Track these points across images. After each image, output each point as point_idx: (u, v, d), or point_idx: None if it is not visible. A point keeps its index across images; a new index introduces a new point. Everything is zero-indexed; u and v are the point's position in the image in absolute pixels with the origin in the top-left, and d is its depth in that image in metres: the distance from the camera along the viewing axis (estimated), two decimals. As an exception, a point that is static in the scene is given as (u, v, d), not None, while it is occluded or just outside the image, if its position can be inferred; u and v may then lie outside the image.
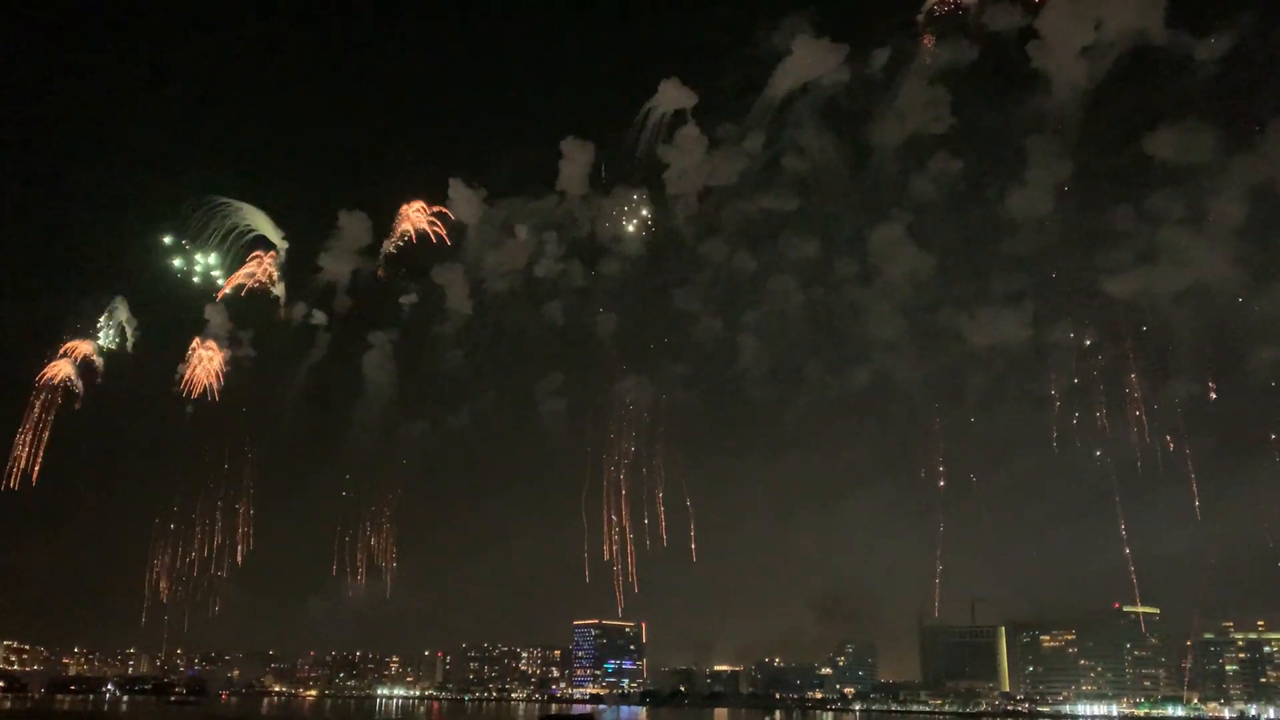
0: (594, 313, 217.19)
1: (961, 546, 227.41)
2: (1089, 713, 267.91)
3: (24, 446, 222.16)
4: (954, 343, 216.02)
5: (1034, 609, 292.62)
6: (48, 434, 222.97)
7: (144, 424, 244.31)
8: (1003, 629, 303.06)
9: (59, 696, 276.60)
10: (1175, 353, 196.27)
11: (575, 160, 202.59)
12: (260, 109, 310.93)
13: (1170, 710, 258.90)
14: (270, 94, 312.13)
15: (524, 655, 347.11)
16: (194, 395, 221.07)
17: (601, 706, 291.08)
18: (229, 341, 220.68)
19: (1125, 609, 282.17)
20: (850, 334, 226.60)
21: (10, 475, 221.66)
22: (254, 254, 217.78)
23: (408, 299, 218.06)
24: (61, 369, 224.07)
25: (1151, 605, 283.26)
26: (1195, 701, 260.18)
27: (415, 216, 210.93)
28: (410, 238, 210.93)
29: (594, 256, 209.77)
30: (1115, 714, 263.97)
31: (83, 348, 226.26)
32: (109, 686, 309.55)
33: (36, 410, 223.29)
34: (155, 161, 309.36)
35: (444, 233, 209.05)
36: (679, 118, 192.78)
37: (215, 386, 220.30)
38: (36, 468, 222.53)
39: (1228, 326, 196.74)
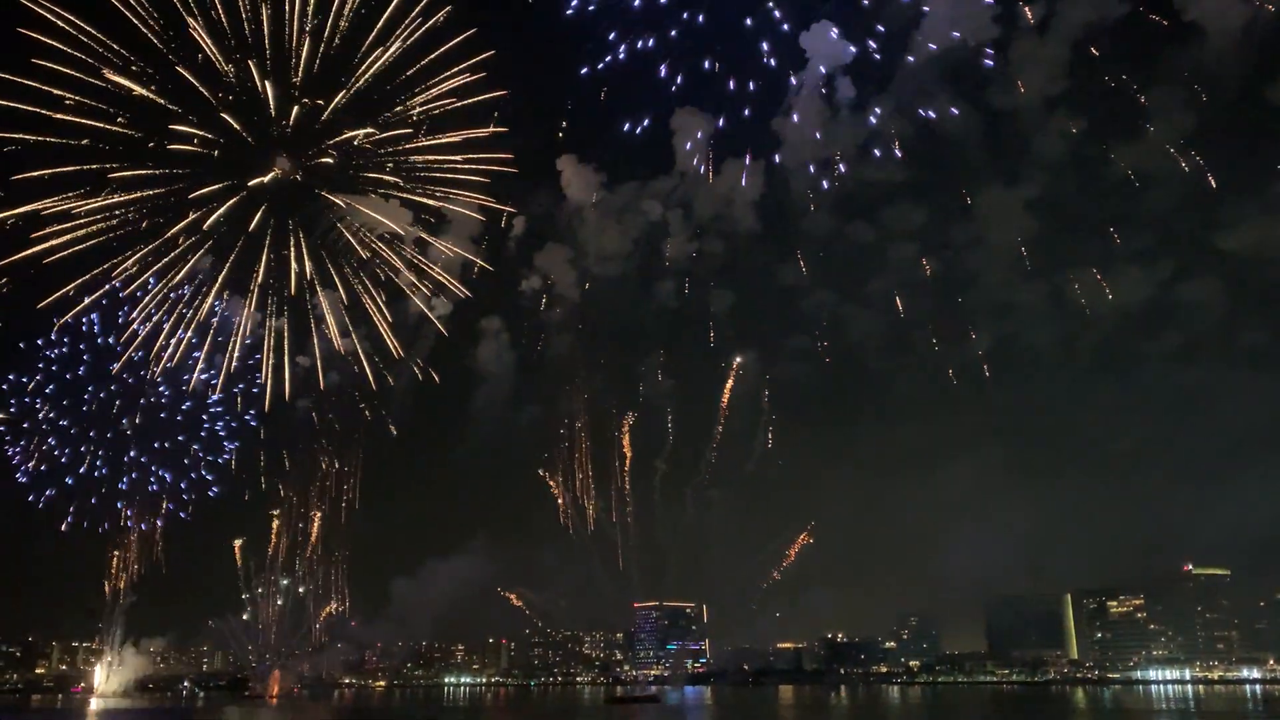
0: (706, 290, 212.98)
1: (1054, 514, 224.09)
2: (1161, 678, 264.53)
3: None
4: (1075, 304, 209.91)
5: (1100, 574, 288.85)
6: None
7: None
8: (1069, 596, 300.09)
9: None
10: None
11: (690, 134, 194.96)
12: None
13: (1246, 673, 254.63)
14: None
15: (586, 639, 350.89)
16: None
17: (666, 688, 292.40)
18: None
19: (1195, 571, 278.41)
20: (969, 299, 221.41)
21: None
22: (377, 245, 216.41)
23: (528, 283, 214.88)
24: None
25: (1221, 567, 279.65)
26: (1272, 664, 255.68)
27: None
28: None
29: (706, 233, 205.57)
30: (1189, 678, 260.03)
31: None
32: (185, 684, 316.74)
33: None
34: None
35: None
36: (826, 84, 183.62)
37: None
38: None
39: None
